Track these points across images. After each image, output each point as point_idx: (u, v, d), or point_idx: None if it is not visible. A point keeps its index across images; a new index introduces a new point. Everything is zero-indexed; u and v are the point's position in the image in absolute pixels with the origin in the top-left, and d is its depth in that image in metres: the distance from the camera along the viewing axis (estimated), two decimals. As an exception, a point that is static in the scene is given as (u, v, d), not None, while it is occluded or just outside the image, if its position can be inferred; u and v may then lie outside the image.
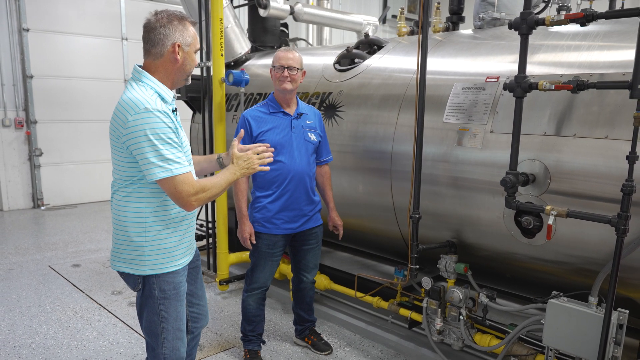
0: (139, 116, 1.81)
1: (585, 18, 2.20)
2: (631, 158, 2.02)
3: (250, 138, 2.89)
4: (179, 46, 1.93)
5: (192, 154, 2.23)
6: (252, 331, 3.15)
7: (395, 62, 3.54)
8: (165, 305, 2.03)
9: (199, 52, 2.36)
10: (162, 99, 1.93)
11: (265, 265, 3.03)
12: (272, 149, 2.22)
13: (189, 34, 1.96)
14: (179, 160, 1.88)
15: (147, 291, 2.02)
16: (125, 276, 2.05)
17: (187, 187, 1.88)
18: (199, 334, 2.43)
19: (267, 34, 5.14)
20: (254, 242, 2.94)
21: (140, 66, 1.98)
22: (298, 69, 2.87)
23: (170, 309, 2.05)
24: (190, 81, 2.13)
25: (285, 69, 2.85)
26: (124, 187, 1.94)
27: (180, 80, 2.02)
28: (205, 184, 1.95)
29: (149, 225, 1.96)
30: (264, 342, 3.27)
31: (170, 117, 1.90)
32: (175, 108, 2.03)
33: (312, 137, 3.00)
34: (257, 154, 2.13)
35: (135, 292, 2.10)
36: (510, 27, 2.43)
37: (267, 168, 2.19)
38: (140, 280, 2.01)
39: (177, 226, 2.04)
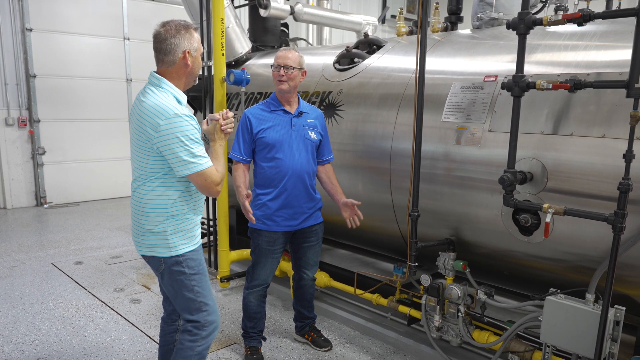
0: (170, 121, 2.01)
1: (583, 18, 2.22)
2: (628, 156, 2.04)
3: (251, 135, 2.93)
4: (188, 52, 2.12)
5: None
6: (252, 328, 3.17)
7: (394, 61, 3.57)
8: (197, 280, 2.25)
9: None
10: (178, 102, 2.12)
11: (266, 263, 3.06)
12: (230, 113, 2.32)
13: (195, 40, 2.15)
14: (206, 155, 2.12)
15: (177, 272, 2.20)
16: (150, 259, 2.25)
17: (215, 177, 2.13)
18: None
19: (267, 33, 5.16)
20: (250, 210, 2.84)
21: (155, 72, 2.15)
22: (294, 67, 2.91)
23: (202, 283, 2.27)
24: (197, 81, 2.33)
25: (282, 68, 2.89)
26: (148, 181, 2.13)
27: (190, 82, 2.22)
28: (221, 171, 2.18)
29: (171, 213, 2.15)
30: (264, 339, 3.30)
31: (194, 118, 2.11)
32: None
33: (313, 135, 3.03)
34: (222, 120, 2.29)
35: (154, 279, 2.22)
36: (508, 27, 2.45)
37: (231, 131, 2.30)
38: (164, 262, 2.20)
39: (192, 211, 2.24)
